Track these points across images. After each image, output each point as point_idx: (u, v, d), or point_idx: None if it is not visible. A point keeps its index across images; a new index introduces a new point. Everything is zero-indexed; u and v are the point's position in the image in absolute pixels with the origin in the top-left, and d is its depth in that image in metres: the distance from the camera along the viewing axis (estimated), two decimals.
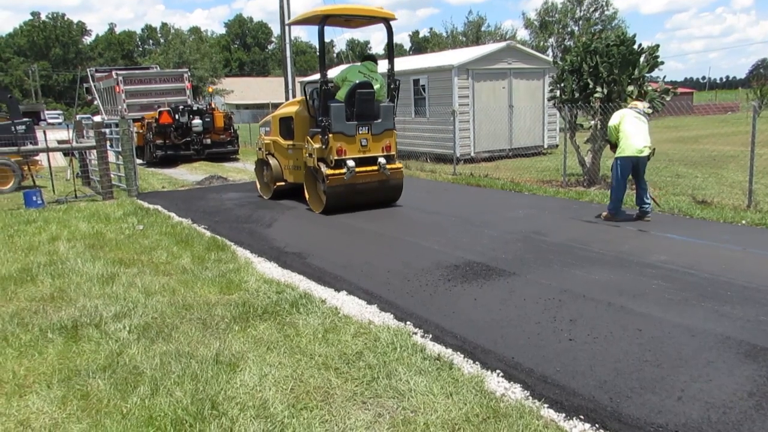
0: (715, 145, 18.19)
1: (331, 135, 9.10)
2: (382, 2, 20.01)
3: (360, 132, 9.35)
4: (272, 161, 10.99)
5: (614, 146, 8.27)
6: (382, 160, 9.54)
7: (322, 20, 9.61)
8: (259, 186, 11.79)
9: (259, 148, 11.70)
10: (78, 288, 5.78)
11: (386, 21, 10.00)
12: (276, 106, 14.18)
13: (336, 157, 9.14)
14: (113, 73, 21.54)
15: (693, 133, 24.04)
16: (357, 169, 9.26)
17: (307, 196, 9.93)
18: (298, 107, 10.35)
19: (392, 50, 10.23)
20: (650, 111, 10.66)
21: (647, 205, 8.17)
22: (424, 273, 5.99)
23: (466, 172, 13.93)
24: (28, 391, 3.72)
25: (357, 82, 9.38)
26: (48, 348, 4.36)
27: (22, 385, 3.81)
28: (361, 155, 9.40)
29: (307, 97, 9.88)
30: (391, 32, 10.15)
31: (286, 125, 10.66)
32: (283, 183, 10.91)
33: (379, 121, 9.55)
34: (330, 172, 9.13)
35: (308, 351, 4.19)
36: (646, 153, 8.01)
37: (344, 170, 9.15)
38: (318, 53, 9.87)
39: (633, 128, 8.01)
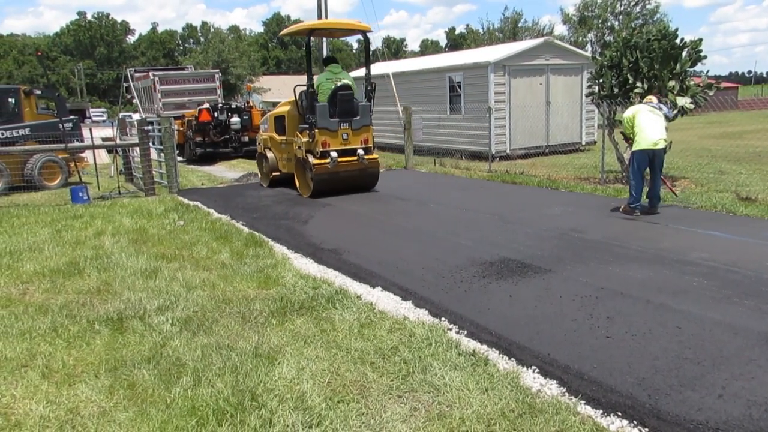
0: (760, 141, 17.66)
1: (317, 130, 10.50)
2: None
3: (342, 127, 10.73)
4: (269, 154, 12.43)
5: (629, 139, 8.42)
6: (360, 152, 10.87)
7: (309, 33, 11.41)
8: (260, 176, 13.28)
9: (259, 143, 13.20)
10: (123, 281, 5.97)
11: (363, 33, 11.63)
12: None
13: (321, 149, 10.54)
14: (150, 73, 22.32)
15: (737, 129, 23.38)
16: (339, 159, 10.62)
17: (297, 183, 11.41)
18: (289, 107, 11.71)
19: (369, 57, 12.01)
20: (692, 106, 10.48)
21: (658, 202, 8.34)
22: (459, 270, 6.00)
23: (502, 169, 13.84)
24: (77, 380, 3.87)
25: (336, 85, 10.72)
26: (95, 339, 4.52)
27: (71, 374, 3.97)
28: (343, 147, 10.76)
29: (297, 98, 11.25)
30: (368, 41, 11.97)
31: (279, 123, 12.06)
32: (278, 173, 12.30)
33: (358, 118, 10.90)
34: (316, 161, 10.56)
35: (344, 345, 4.25)
36: (661, 146, 8.08)
37: (328, 160, 10.51)
38: (306, 60, 11.40)
39: (647, 122, 8.07)
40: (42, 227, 8.83)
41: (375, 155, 11.26)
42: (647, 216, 8.13)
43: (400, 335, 4.40)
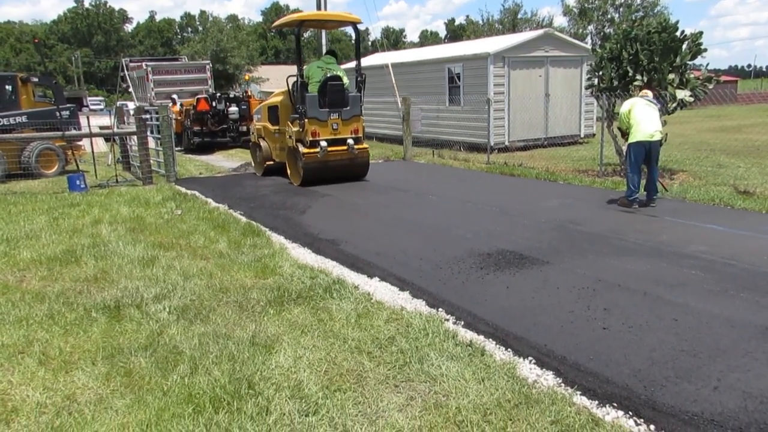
0: (758, 135, 17.66)
1: (306, 120, 10.63)
2: None
3: (331, 117, 10.84)
4: (263, 144, 12.64)
5: (625, 134, 8.48)
6: (350, 141, 10.99)
7: (298, 25, 11.48)
8: (254, 164, 13.43)
9: (252, 133, 13.38)
10: (120, 270, 5.96)
11: (353, 24, 11.66)
12: None
13: (311, 139, 10.66)
14: (143, 64, 22.76)
15: (736, 122, 23.39)
16: (329, 149, 10.75)
17: (288, 171, 11.57)
18: (282, 97, 11.89)
19: (359, 49, 12.13)
20: (691, 99, 10.46)
21: (655, 194, 8.39)
22: (456, 261, 6.00)
23: (500, 161, 13.82)
24: (73, 368, 3.87)
25: (326, 76, 10.79)
26: (92, 327, 4.52)
27: (68, 361, 3.97)
28: (333, 137, 10.87)
29: (290, 88, 11.34)
30: (358, 33, 12.05)
31: (273, 113, 12.23)
32: (272, 162, 12.55)
33: (348, 108, 11.00)
34: (306, 151, 10.70)
35: (341, 335, 4.25)
36: (657, 138, 8.16)
37: (318, 149, 10.64)
38: (296, 51, 11.42)
39: (643, 114, 8.14)
40: (39, 215, 8.81)
41: (365, 145, 11.37)
42: (645, 208, 8.15)
43: (397, 325, 4.40)
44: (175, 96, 20.47)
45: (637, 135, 8.09)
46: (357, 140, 11.15)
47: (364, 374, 3.67)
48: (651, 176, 8.31)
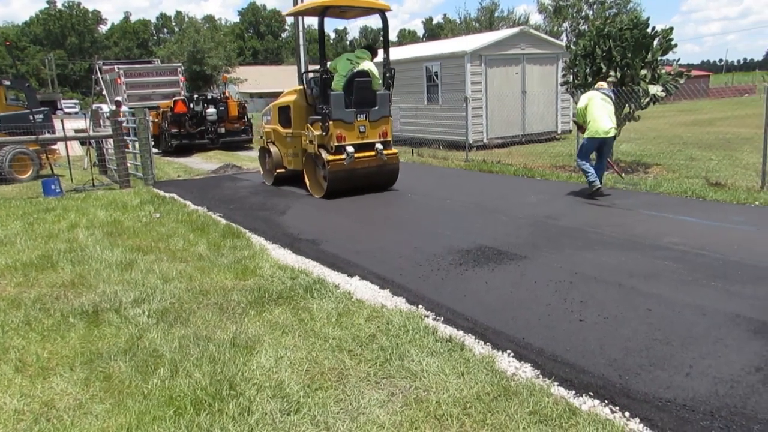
0: (729, 128, 18.01)
1: (331, 122, 9.37)
2: None
3: (358, 119, 9.65)
4: (273, 149, 11.28)
5: (581, 127, 8.98)
6: (379, 146, 9.82)
7: (321, 11, 9.86)
8: (262, 172, 12.07)
9: (261, 137, 12.05)
10: (98, 274, 5.91)
11: (381, 12, 10.27)
12: None
13: (336, 144, 9.42)
14: (115, 67, 22.77)
15: (708, 116, 23.79)
16: (356, 155, 9.53)
17: (307, 181, 10.20)
18: (295, 96, 10.55)
19: (387, 40, 10.53)
20: (663, 94, 10.66)
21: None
22: (436, 258, 6.05)
23: (479, 158, 13.92)
24: (51, 374, 3.83)
25: (354, 71, 9.67)
26: (70, 332, 4.48)
27: (46, 367, 3.93)
28: (360, 141, 9.69)
29: (306, 86, 10.16)
30: (386, 23, 10.40)
31: (284, 114, 10.90)
32: (283, 170, 11.21)
33: (376, 108, 9.82)
34: (331, 157, 9.41)
35: (322, 334, 4.27)
36: (612, 134, 8.69)
37: (344, 156, 9.41)
38: (318, 43, 10.03)
39: (600, 111, 8.62)
40: (13, 221, 8.69)
41: (394, 150, 10.22)
42: (620, 201, 8.28)
43: (377, 323, 4.43)
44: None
45: (594, 132, 8.60)
46: (386, 144, 9.95)
47: (345, 372, 3.70)
48: (599, 166, 8.86)
